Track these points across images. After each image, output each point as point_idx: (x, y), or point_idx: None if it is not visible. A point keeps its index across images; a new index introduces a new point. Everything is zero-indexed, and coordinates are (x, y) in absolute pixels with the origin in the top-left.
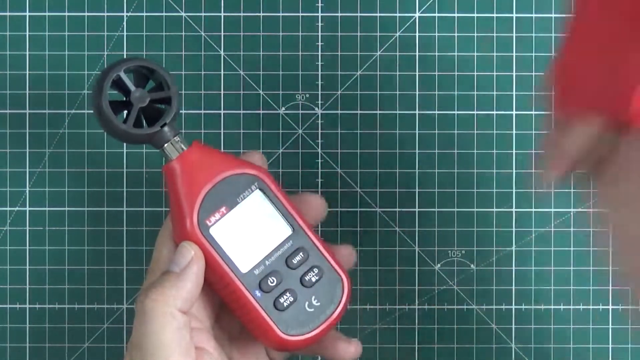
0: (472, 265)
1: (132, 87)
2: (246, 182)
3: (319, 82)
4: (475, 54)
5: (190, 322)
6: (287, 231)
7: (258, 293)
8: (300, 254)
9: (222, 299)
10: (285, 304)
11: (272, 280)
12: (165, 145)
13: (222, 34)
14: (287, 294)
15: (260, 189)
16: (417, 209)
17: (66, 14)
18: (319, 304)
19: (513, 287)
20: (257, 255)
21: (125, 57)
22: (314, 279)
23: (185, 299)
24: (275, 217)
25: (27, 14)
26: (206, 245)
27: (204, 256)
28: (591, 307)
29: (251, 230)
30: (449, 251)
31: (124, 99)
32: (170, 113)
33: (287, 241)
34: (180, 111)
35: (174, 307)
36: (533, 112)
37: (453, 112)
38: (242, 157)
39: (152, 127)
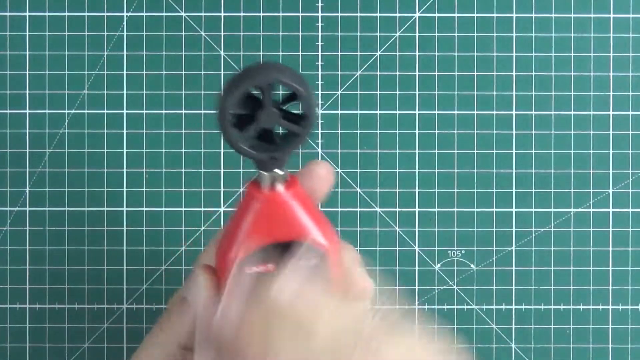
0: (472, 265)
1: (266, 104)
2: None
3: (319, 82)
4: (475, 54)
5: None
6: None
7: None
8: None
9: None
10: None
11: None
12: (265, 173)
13: (222, 34)
14: None
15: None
16: (417, 209)
17: (66, 14)
18: None
19: (513, 287)
20: None
21: (256, 62)
22: None
23: (191, 334)
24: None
25: (27, 14)
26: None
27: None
28: (591, 307)
29: None
30: (449, 251)
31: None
32: (291, 149)
33: None
34: (180, 112)
35: (176, 341)
36: (533, 112)
37: (453, 112)
38: (306, 168)
39: (264, 154)
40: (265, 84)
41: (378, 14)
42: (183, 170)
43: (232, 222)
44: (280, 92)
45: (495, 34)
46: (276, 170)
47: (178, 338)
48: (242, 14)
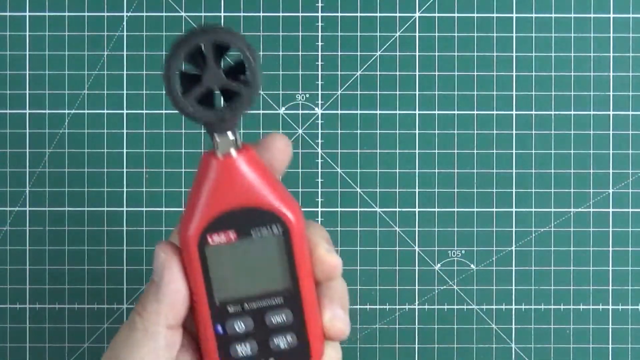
0: (472, 265)
1: (209, 64)
2: (272, 221)
3: (319, 82)
4: (475, 54)
5: (180, 340)
6: (284, 285)
7: (220, 329)
8: (283, 315)
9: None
10: (239, 354)
11: (239, 326)
12: (217, 136)
13: None
14: (247, 345)
15: (282, 235)
16: (417, 209)
17: (66, 14)
18: None
19: (513, 287)
20: (239, 294)
21: (192, 30)
22: (282, 346)
23: (167, 313)
24: (279, 266)
25: (27, 14)
26: (194, 259)
27: (180, 263)
28: (591, 307)
29: (248, 268)
30: (449, 251)
31: (197, 71)
32: (239, 109)
33: (278, 295)
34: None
35: (156, 324)
36: (533, 112)
37: (453, 112)
38: (263, 140)
39: (209, 113)
40: (209, 43)
41: (378, 14)
42: (183, 170)
43: (191, 195)
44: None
45: (495, 34)
46: (228, 134)
47: (159, 320)
48: (242, 14)
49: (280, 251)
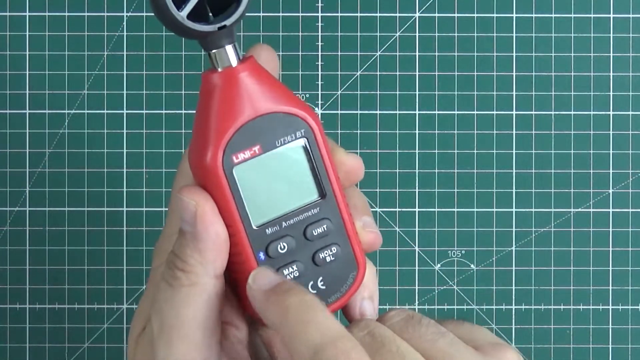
0: (472, 265)
1: None
2: (292, 126)
3: (319, 82)
4: (476, 54)
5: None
6: (318, 195)
7: (262, 256)
8: (324, 226)
9: None
10: (286, 278)
11: (282, 247)
12: (215, 51)
13: None
14: (293, 266)
15: (305, 138)
16: (417, 209)
17: (66, 14)
18: (324, 287)
19: (513, 287)
20: (276, 213)
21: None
22: (328, 259)
23: (214, 260)
24: (309, 176)
25: (27, 14)
26: (224, 184)
27: (213, 201)
28: (591, 307)
29: (279, 181)
30: (449, 251)
31: None
32: (234, 16)
33: (314, 206)
34: (180, 111)
35: (205, 275)
36: (533, 112)
37: (453, 112)
38: (249, 51)
39: (208, 25)
40: None
41: (378, 14)
42: None
43: (198, 119)
44: None
45: (495, 34)
46: (227, 47)
47: (207, 271)
48: None
49: (308, 157)
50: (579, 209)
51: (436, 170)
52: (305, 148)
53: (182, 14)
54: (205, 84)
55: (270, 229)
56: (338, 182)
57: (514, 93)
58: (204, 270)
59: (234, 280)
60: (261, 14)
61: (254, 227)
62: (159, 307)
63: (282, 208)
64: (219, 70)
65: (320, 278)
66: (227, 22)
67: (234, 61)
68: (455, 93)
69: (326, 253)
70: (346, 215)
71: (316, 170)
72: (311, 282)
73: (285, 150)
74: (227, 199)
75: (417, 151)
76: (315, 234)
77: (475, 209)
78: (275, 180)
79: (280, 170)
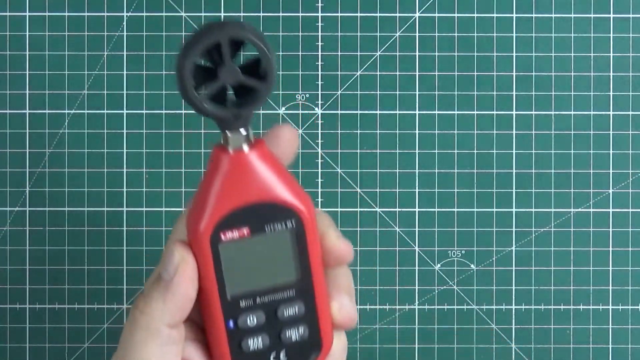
0: (472, 265)
1: (226, 60)
2: (284, 216)
3: (319, 82)
4: (476, 54)
5: (184, 334)
6: (296, 277)
7: (231, 324)
8: (296, 307)
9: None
10: (250, 348)
11: (251, 319)
12: (229, 132)
13: None
14: (258, 338)
15: (294, 226)
16: (417, 209)
17: (66, 14)
18: (285, 359)
19: (513, 287)
20: (251, 289)
21: (209, 26)
22: (293, 338)
23: (173, 313)
24: (291, 260)
25: (27, 14)
26: (207, 257)
27: (196, 265)
28: (591, 307)
29: (260, 262)
30: (449, 251)
31: (212, 65)
32: (252, 106)
33: (289, 287)
34: (180, 111)
35: (160, 322)
36: (533, 112)
37: (453, 112)
38: (270, 132)
39: (224, 111)
40: (226, 40)
41: (378, 14)
42: (183, 170)
43: (201, 190)
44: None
45: (495, 34)
46: (241, 130)
47: (162, 319)
48: (242, 14)
49: (293, 244)
50: (579, 209)
51: (436, 170)
52: (291, 236)
53: (202, 97)
54: (216, 160)
55: (243, 301)
56: (320, 267)
57: (514, 93)
58: (161, 318)
59: (209, 345)
60: (261, 14)
61: (228, 298)
62: (122, 342)
63: (258, 284)
64: (230, 151)
65: (284, 351)
66: (243, 112)
67: (245, 146)
68: (455, 93)
69: (293, 332)
70: (321, 299)
71: (299, 256)
72: (273, 354)
73: (272, 235)
74: (209, 267)
75: (417, 151)
76: (285, 315)
77: (475, 209)
78: (257, 260)
79: (264, 253)
